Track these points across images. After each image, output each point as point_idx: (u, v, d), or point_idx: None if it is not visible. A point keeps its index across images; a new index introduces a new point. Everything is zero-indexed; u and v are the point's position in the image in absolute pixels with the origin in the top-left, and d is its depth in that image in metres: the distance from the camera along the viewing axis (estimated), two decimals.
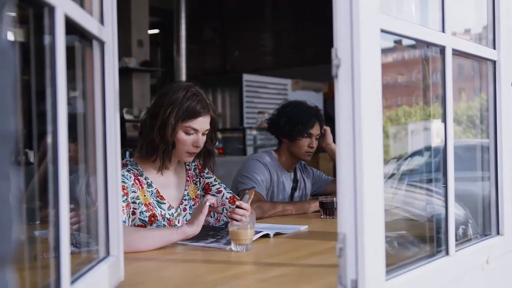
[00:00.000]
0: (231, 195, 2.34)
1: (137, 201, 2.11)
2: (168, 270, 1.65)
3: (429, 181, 1.92)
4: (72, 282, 1.05)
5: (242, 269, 1.65)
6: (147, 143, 2.16)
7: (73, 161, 1.12)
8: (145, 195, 2.14)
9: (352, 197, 1.13)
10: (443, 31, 1.47)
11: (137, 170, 2.17)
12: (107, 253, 1.34)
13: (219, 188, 2.36)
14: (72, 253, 1.03)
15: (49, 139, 0.96)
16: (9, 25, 0.56)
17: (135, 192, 2.10)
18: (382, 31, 1.21)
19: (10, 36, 0.55)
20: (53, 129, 0.96)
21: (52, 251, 1.33)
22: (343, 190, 1.14)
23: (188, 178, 2.33)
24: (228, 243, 1.88)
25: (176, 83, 2.26)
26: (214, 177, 2.40)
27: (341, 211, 1.15)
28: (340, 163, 1.14)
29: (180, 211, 2.25)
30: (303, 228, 2.30)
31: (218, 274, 1.57)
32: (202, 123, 2.16)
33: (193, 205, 2.29)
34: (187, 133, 2.14)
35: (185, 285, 1.51)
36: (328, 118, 4.04)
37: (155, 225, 2.13)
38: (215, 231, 2.10)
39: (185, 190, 2.30)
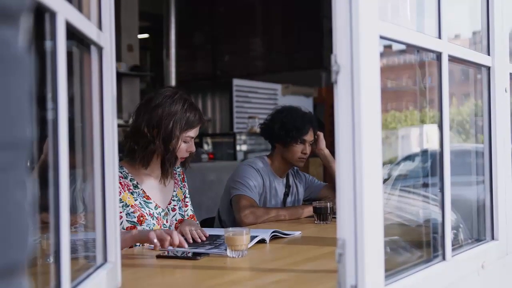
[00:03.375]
0: (192, 213, 2.44)
1: (120, 204, 2.14)
2: (164, 277, 1.64)
3: (422, 186, 1.93)
4: None
5: (239, 275, 1.65)
6: (148, 154, 2.20)
7: (70, 166, 1.11)
8: (129, 197, 2.18)
9: (351, 203, 1.13)
10: (439, 37, 1.48)
11: (121, 173, 2.21)
12: (105, 259, 1.33)
13: (187, 202, 2.46)
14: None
15: (50, 144, 0.96)
16: (25, 33, 0.56)
17: None
18: (381, 37, 1.21)
19: (27, 43, 0.55)
20: (53, 134, 0.96)
21: (47, 257, 1.32)
22: (342, 195, 1.14)
23: (175, 181, 2.40)
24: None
25: (164, 91, 2.26)
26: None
27: (341, 216, 1.15)
28: (340, 169, 1.14)
29: (169, 210, 2.31)
30: (297, 233, 2.30)
31: (215, 280, 1.57)
32: (197, 130, 2.28)
33: (182, 206, 2.38)
34: (185, 142, 2.24)
35: None
36: (319, 123, 4.04)
37: (145, 224, 2.18)
38: (211, 240, 2.09)
39: (174, 191, 2.37)
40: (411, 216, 1.93)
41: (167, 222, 2.29)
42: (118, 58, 7.31)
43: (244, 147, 7.43)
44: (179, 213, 2.35)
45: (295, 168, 3.13)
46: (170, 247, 1.94)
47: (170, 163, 2.22)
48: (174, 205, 2.35)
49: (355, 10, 1.12)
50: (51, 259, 1.07)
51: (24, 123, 0.53)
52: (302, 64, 9.07)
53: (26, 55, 0.54)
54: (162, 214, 2.27)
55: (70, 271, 1.00)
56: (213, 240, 2.09)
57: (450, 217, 1.50)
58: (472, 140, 1.99)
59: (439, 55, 1.48)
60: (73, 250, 1.37)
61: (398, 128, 1.90)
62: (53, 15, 0.95)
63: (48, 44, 0.96)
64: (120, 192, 2.15)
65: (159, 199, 2.29)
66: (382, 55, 1.44)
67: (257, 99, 8.07)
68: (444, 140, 1.48)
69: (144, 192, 2.23)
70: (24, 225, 0.53)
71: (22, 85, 0.53)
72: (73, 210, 1.49)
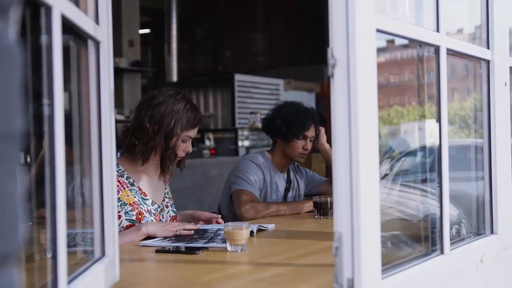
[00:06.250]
0: (174, 214, 2.42)
1: (119, 203, 2.16)
2: (163, 271, 1.65)
3: (423, 181, 1.93)
4: (69, 282, 1.05)
5: (238, 269, 1.65)
6: (148, 150, 2.22)
7: (67, 162, 1.11)
8: (128, 195, 2.21)
9: (348, 196, 1.13)
10: (438, 30, 1.48)
11: (117, 171, 2.22)
12: (103, 253, 1.33)
13: (170, 203, 2.45)
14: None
15: (45, 140, 0.96)
16: (15, 25, 0.56)
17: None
18: (378, 30, 1.21)
19: (16, 35, 0.55)
20: (50, 129, 0.96)
21: (45, 252, 1.33)
22: (339, 189, 1.14)
23: (166, 179, 2.43)
24: (225, 241, 1.87)
25: (167, 90, 2.28)
26: None
27: (337, 210, 1.15)
28: (336, 162, 1.14)
29: (163, 207, 2.36)
30: (271, 226, 2.31)
31: (214, 274, 1.57)
32: (196, 131, 2.31)
33: (172, 203, 2.42)
34: (184, 141, 2.26)
35: (180, 285, 1.51)
36: (321, 118, 4.04)
37: (143, 221, 2.20)
38: (200, 234, 2.09)
39: (166, 189, 2.41)
40: (411, 211, 1.94)
41: (163, 218, 2.33)
42: (119, 54, 7.32)
43: (246, 143, 7.43)
44: (171, 210, 2.41)
45: (296, 163, 3.13)
46: (170, 243, 1.95)
47: (170, 160, 2.25)
48: (167, 202, 2.40)
49: (351, 3, 1.12)
50: (49, 254, 1.08)
51: (14, 114, 0.53)
52: (303, 59, 9.06)
53: (16, 48, 0.54)
54: (158, 210, 2.31)
55: (67, 265, 1.01)
56: (202, 234, 2.09)
57: (448, 210, 1.50)
58: (475, 135, 1.99)
59: (437, 49, 1.48)
60: (71, 244, 1.38)
61: (401, 123, 1.89)
62: (48, 9, 0.95)
63: (43, 38, 0.96)
64: (119, 191, 2.16)
65: (154, 196, 2.32)
66: (385, 49, 1.44)
67: (259, 94, 8.06)
68: (442, 134, 1.48)
69: (140, 189, 2.27)
70: (15, 216, 0.53)
71: (12, 77, 0.53)
72: (73, 206, 1.49)
